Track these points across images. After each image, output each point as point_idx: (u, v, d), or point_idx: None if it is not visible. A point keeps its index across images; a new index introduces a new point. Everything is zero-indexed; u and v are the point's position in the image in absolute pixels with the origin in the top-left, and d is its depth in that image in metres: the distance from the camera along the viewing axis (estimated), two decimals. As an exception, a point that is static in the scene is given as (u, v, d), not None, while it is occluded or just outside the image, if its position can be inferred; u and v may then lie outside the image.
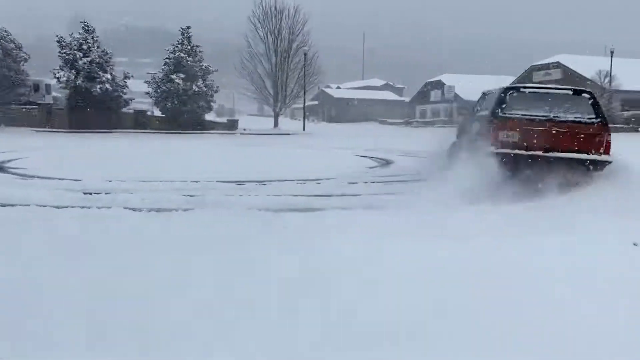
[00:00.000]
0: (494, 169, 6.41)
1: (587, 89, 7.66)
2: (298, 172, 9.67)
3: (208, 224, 4.95)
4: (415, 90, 67.59)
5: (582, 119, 6.84)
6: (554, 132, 6.69)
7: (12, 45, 31.56)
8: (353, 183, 8.14)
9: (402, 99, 73.19)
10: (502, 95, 7.07)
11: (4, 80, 30.87)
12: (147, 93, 33.56)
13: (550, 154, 6.63)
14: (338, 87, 76.90)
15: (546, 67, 46.92)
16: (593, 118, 6.83)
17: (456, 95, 57.64)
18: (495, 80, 53.78)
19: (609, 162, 6.66)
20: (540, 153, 6.63)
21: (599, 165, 6.67)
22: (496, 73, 61.73)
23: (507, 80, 51.99)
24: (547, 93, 7.31)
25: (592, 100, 6.98)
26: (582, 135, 6.73)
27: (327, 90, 70.34)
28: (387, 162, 12.90)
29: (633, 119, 36.82)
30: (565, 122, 6.78)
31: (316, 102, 70.52)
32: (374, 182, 8.34)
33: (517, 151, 6.66)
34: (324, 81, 50.03)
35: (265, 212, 5.58)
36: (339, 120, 63.80)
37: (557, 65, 45.72)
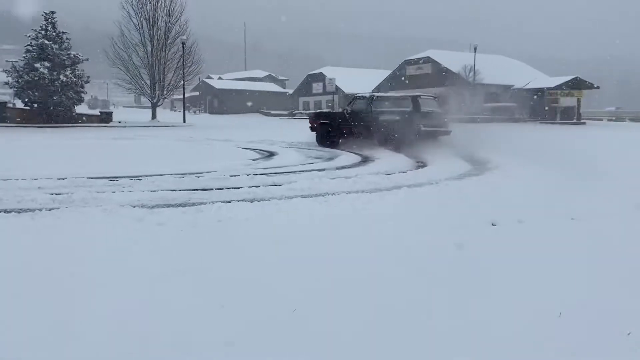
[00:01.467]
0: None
1: (413, 95, 14.86)
2: (177, 166, 9.35)
3: (73, 224, 4.65)
4: (297, 83, 68.39)
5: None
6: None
7: None
8: (235, 176, 8.07)
9: (285, 90, 73.68)
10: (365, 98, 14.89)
11: None
12: (7, 83, 30.39)
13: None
14: (220, 78, 75.49)
15: (418, 61, 49.80)
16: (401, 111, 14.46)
17: (338, 88, 59.26)
18: (377, 73, 56.06)
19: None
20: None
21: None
22: (373, 67, 64.49)
23: (383, 74, 54.53)
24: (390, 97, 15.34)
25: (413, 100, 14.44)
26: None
27: (209, 81, 68.75)
28: (270, 154, 12.94)
29: (493, 110, 40.36)
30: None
31: (197, 93, 68.66)
32: (256, 175, 8.31)
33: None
34: (205, 72, 48.82)
35: (139, 209, 5.36)
36: (222, 112, 62.73)
37: (428, 59, 48.71)
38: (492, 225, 4.82)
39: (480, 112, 38.06)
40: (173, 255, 3.82)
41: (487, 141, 13.40)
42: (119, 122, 31.77)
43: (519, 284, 3.30)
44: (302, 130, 17.97)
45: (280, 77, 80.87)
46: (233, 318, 2.72)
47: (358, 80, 57.77)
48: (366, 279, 3.35)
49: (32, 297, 2.95)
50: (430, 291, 3.15)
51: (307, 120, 17.57)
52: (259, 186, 7.11)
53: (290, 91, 70.97)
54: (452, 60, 45.70)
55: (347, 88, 58.14)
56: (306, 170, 9.30)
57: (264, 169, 9.68)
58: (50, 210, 5.22)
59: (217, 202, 5.84)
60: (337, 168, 9.85)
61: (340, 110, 18.16)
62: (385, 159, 11.36)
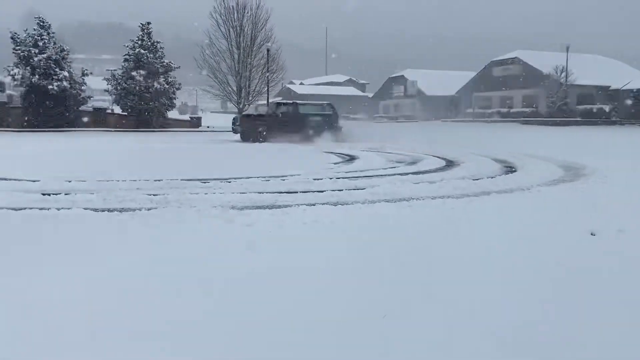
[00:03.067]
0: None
1: (328, 102, 23.81)
2: (263, 169, 9.66)
3: (171, 222, 4.92)
4: (378, 86, 68.14)
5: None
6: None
7: (-39, 42, 30.28)
8: (318, 179, 8.18)
9: (365, 94, 73.71)
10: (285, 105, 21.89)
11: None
12: (107, 90, 32.76)
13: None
14: (301, 83, 76.88)
15: (505, 62, 47.98)
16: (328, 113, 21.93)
17: (419, 91, 58.42)
18: (461, 75, 54.67)
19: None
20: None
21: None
22: (457, 68, 62.82)
23: (467, 76, 53.06)
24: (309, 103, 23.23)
25: (331, 106, 22.45)
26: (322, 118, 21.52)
27: (291, 87, 70.18)
28: (351, 158, 13.00)
29: (588, 112, 38.04)
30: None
31: (280, 99, 70.29)
32: (339, 178, 8.39)
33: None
34: (287, 77, 49.90)
35: (230, 210, 5.57)
36: (304, 116, 63.69)
37: (516, 60, 46.80)
38: (592, 234, 4.55)
39: (574, 115, 35.97)
40: (263, 256, 3.93)
41: (581, 145, 12.68)
42: (207, 127, 33.24)
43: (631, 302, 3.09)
44: (382, 134, 17.93)
45: (361, 81, 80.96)
46: (333, 312, 2.76)
47: (440, 82, 56.64)
48: (458, 283, 3.28)
49: (142, 290, 3.15)
50: (538, 309, 3.02)
51: (235, 120, 22.60)
52: (342, 190, 7.16)
53: (370, 95, 70.83)
54: (542, 60, 43.60)
55: (429, 90, 57.20)
56: (388, 174, 9.25)
57: (346, 172, 9.73)
58: (148, 210, 5.55)
59: (302, 204, 5.93)
60: (421, 172, 9.71)
61: (270, 112, 22.41)
62: (472, 163, 11.06)
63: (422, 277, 3.47)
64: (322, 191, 7.05)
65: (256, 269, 3.57)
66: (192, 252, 4.02)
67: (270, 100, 26.43)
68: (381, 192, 6.91)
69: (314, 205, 5.92)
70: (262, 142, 20.23)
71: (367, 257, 3.92)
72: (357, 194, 6.83)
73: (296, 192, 7.01)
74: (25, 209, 5.55)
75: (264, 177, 8.47)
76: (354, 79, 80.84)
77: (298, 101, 23.73)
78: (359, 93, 73.86)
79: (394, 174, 9.23)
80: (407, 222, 5.21)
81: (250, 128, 21.11)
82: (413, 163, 11.61)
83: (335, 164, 11.56)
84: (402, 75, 61.71)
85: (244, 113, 23.05)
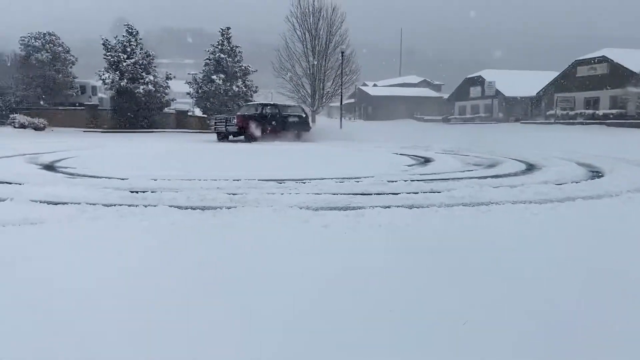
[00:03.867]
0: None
1: (299, 105, 27.88)
2: (336, 171, 9.73)
3: (248, 221, 5.07)
4: (453, 87, 66.56)
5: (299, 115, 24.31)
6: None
7: (60, 49, 32.76)
8: (392, 181, 8.13)
9: (440, 95, 72.27)
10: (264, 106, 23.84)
11: (52, 82, 32.08)
12: (188, 93, 34.25)
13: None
14: (375, 85, 76.56)
15: (591, 61, 45.37)
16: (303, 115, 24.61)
17: (498, 92, 56.53)
18: (541, 75, 52.35)
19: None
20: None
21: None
22: (538, 68, 60.14)
23: (549, 76, 50.64)
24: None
25: (302, 109, 25.85)
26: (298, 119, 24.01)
27: (364, 88, 70.09)
28: (426, 160, 12.80)
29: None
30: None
31: (353, 100, 70.40)
32: (413, 181, 8.29)
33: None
34: (360, 79, 49.88)
35: (305, 211, 5.66)
36: (376, 118, 63.52)
37: (603, 59, 44.12)
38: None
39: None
40: (339, 257, 3.96)
41: None
42: (282, 128, 33.91)
43: None
44: (458, 136, 17.51)
45: (436, 82, 79.48)
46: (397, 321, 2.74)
47: (519, 83, 54.47)
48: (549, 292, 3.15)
49: (219, 285, 3.28)
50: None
51: (230, 120, 22.35)
52: (417, 192, 7.07)
53: (446, 96, 69.32)
54: (633, 58, 40.82)
55: (508, 91, 55.20)
56: (465, 178, 9.03)
57: (421, 175, 9.60)
58: (229, 208, 5.75)
59: (376, 207, 5.92)
60: (500, 176, 9.40)
61: (257, 113, 23.09)
62: (555, 167, 10.56)
63: (500, 284, 3.36)
64: (396, 194, 7.00)
65: (332, 269, 3.60)
66: (270, 250, 4.12)
67: (249, 103, 27.02)
68: (458, 195, 6.76)
69: (388, 207, 5.88)
70: (254, 142, 21.44)
71: (443, 262, 3.85)
72: (433, 197, 6.72)
73: (370, 194, 7.00)
74: (115, 205, 5.91)
75: (338, 178, 8.52)
76: (429, 80, 79.47)
77: (278, 103, 25.40)
78: (434, 94, 72.51)
79: (472, 177, 9.00)
80: (487, 228, 5.06)
81: (250, 128, 21.75)
82: (491, 166, 11.25)
83: (409, 166, 11.44)
84: (480, 76, 59.90)
85: (239, 114, 22.90)
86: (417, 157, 13.83)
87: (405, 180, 8.24)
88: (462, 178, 9.01)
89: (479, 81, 59.91)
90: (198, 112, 35.29)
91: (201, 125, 32.80)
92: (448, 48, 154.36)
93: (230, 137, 22.51)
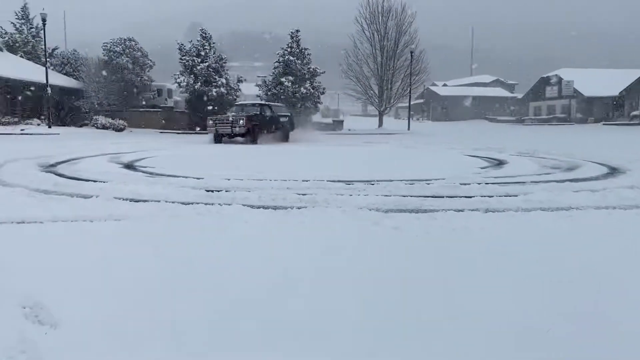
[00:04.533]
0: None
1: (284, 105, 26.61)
2: (406, 172, 9.61)
3: (319, 222, 5.10)
4: (528, 86, 64.01)
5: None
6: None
7: (139, 54, 34.45)
8: (465, 184, 7.92)
9: (513, 95, 69.75)
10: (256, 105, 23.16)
11: (131, 86, 33.80)
12: (258, 96, 35.01)
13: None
14: (444, 85, 75.02)
15: (682, 57, 42.20)
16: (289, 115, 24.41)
17: (576, 91, 53.83)
18: (623, 74, 49.42)
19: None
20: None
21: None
22: (621, 66, 56.71)
23: (633, 74, 47.57)
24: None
25: (287, 108, 25.99)
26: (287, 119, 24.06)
27: (433, 88, 68.85)
28: (500, 162, 12.38)
29: None
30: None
31: (421, 101, 69.35)
32: (487, 184, 8.04)
33: None
34: (430, 79, 49.05)
35: (375, 212, 5.62)
36: (446, 119, 62.24)
37: (696, 54, 40.92)
38: None
39: None
40: (412, 260, 3.90)
41: None
42: (349, 129, 33.93)
43: None
44: (533, 137, 16.81)
45: (509, 81, 76.76)
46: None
47: (600, 82, 51.59)
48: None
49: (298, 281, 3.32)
50: None
51: (237, 120, 21.04)
52: (492, 196, 6.84)
53: (520, 96, 66.81)
54: None
55: (587, 91, 52.46)
56: (543, 181, 8.65)
57: (495, 178, 9.29)
58: (299, 208, 5.81)
59: (449, 210, 5.78)
60: (580, 179, 8.92)
61: (259, 114, 22.27)
62: (640, 172, 9.91)
63: (587, 295, 3.18)
64: (470, 197, 6.81)
65: (407, 272, 3.56)
66: (341, 250, 4.13)
67: (241, 103, 25.52)
68: (536, 199, 6.48)
69: (462, 211, 5.74)
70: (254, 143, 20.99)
71: (521, 269, 3.70)
72: (508, 201, 6.48)
73: (442, 197, 6.86)
74: (192, 203, 6.13)
75: (407, 180, 8.40)
76: (502, 80, 76.86)
77: (271, 103, 24.80)
78: (507, 94, 70.06)
79: (550, 181, 8.61)
80: (568, 234, 4.82)
81: (255, 129, 21.24)
82: (570, 169, 10.72)
83: (482, 168, 11.10)
84: (556, 75, 57.27)
85: (243, 114, 21.61)
86: (490, 159, 13.40)
87: (479, 183, 8.01)
88: (539, 181, 8.64)
89: (555, 80, 57.30)
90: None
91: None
92: (523, 46, 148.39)
93: (225, 138, 21.59)
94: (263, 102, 25.79)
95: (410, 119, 37.80)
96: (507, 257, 4.05)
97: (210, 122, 21.59)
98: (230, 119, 21.07)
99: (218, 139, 21.53)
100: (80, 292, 3.17)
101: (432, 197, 6.89)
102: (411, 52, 34.08)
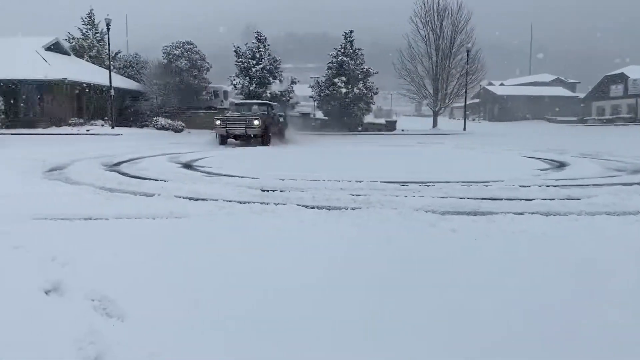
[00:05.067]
0: None
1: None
2: (462, 174, 9.42)
3: (374, 223, 5.08)
4: (591, 86, 61.31)
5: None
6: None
7: (197, 57, 35.39)
8: (524, 186, 7.68)
9: (575, 95, 67.00)
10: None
11: (189, 88, 34.79)
12: (311, 97, 35.23)
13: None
14: (502, 84, 72.99)
15: None
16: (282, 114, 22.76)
17: (643, 89, 51.11)
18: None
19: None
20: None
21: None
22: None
23: None
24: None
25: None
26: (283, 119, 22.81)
27: (490, 88, 67.14)
28: (561, 164, 11.93)
29: None
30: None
31: (477, 101, 67.77)
32: (548, 186, 7.76)
33: None
34: (486, 78, 47.85)
35: (431, 214, 5.54)
36: (502, 119, 60.57)
37: None
38: None
39: None
40: (473, 265, 3.82)
41: None
42: (402, 130, 33.61)
43: None
44: (596, 138, 16.08)
45: (570, 80, 73.77)
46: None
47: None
48: None
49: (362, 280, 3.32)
50: None
51: (251, 120, 19.14)
52: (553, 199, 6.61)
53: (582, 95, 64.13)
54: None
55: (657, 89, 49.71)
56: (607, 184, 8.27)
57: (556, 180, 8.96)
58: (353, 209, 5.81)
59: (508, 212, 5.62)
60: (649, 183, 8.47)
61: (267, 113, 20.54)
62: None
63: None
64: (530, 199, 6.60)
65: (472, 277, 3.49)
66: (398, 251, 4.09)
67: (245, 102, 23.36)
68: (600, 203, 6.21)
69: (521, 214, 5.57)
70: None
71: (584, 276, 3.55)
72: (571, 204, 6.23)
73: (501, 200, 6.68)
74: (248, 202, 6.25)
75: (465, 182, 8.24)
76: (562, 78, 73.97)
77: (271, 102, 23.26)
78: (568, 93, 67.36)
79: (615, 184, 8.22)
80: (636, 239, 4.58)
81: (269, 130, 19.67)
82: (637, 172, 10.19)
83: (542, 170, 10.73)
84: (622, 73, 54.57)
85: (257, 114, 19.72)
86: (550, 160, 12.93)
87: (539, 186, 7.75)
88: (603, 184, 8.27)
89: (621, 79, 54.62)
90: (320, 114, 36.13)
91: (323, 127, 33.62)
92: (585, 44, 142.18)
93: (230, 139, 19.90)
94: (265, 100, 24.22)
95: (466, 119, 37.01)
96: (575, 263, 3.90)
97: (219, 122, 19.58)
98: (245, 118, 19.15)
99: (224, 140, 19.79)
100: (144, 286, 3.29)
101: (490, 199, 6.73)
102: (467, 51, 33.38)
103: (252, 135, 19.11)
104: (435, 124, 36.18)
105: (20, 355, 2.43)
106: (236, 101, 22.92)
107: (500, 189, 7.48)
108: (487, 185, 7.84)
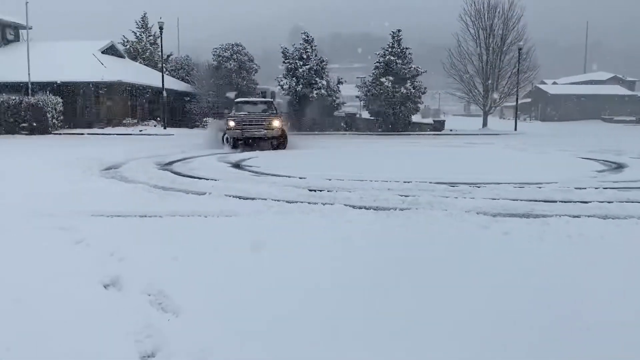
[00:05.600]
0: None
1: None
2: (514, 175, 9.16)
3: (423, 224, 5.02)
4: (652, 83, 58.41)
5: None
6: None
7: (245, 58, 35.95)
8: (580, 188, 7.41)
9: (634, 93, 64.02)
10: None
11: (238, 89, 35.38)
12: (357, 96, 35.11)
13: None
14: (554, 83, 70.60)
15: None
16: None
17: None
18: None
19: None
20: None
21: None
22: None
23: None
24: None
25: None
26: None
27: (542, 87, 65.03)
28: (618, 166, 11.44)
29: None
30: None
31: (529, 100, 65.79)
32: (605, 188, 7.46)
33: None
34: (538, 77, 46.39)
35: (482, 216, 5.42)
36: (555, 119, 58.65)
37: None
38: None
39: None
40: (528, 268, 3.72)
41: None
42: (450, 130, 33.01)
43: None
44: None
45: (628, 79, 70.53)
46: None
47: None
48: None
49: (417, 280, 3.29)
50: None
51: (270, 121, 16.73)
52: (611, 202, 6.34)
53: (641, 94, 61.18)
54: None
55: None
56: (671, 187, 7.88)
57: (614, 182, 8.60)
58: (402, 210, 5.76)
59: (563, 215, 5.44)
60: None
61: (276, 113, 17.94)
62: None
63: None
64: (586, 202, 6.37)
65: (529, 281, 3.40)
66: (449, 254, 4.03)
67: (250, 99, 20.27)
68: (664, 207, 5.91)
69: (578, 217, 5.37)
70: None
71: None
72: (631, 207, 5.97)
73: (555, 202, 6.48)
74: (296, 202, 6.29)
75: (516, 183, 8.02)
76: (620, 77, 70.81)
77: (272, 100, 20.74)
78: (626, 92, 64.42)
79: (679, 187, 7.81)
80: None
81: (285, 131, 17.33)
82: None
83: (598, 172, 10.32)
84: (686, 70, 51.72)
85: (275, 113, 17.56)
86: (607, 162, 12.41)
87: (596, 188, 7.47)
88: (667, 187, 7.87)
89: (685, 76, 51.82)
90: (366, 114, 35.97)
91: (369, 128, 33.47)
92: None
93: (240, 142, 16.77)
94: (267, 98, 21.25)
95: (517, 118, 36.01)
96: (627, 262, 3.74)
97: (232, 122, 16.36)
98: (264, 119, 16.74)
99: (236, 144, 16.62)
100: (196, 282, 3.37)
101: (543, 201, 6.54)
102: (519, 49, 32.47)
103: (271, 138, 16.78)
104: (485, 123, 35.37)
105: (80, 346, 2.54)
106: (237, 99, 19.40)
107: (554, 191, 7.25)
108: (540, 187, 7.61)
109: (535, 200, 6.55)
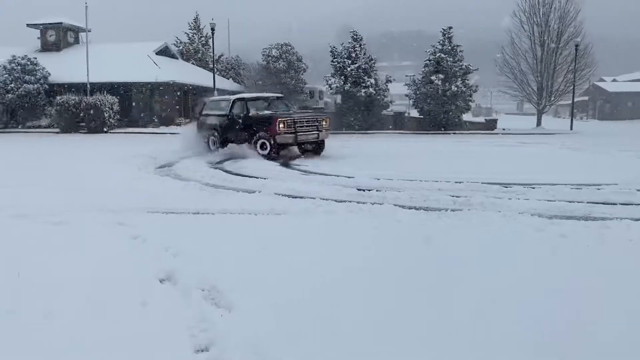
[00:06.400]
0: None
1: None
2: (570, 176, 8.82)
3: (476, 225, 4.91)
4: None
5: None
6: None
7: (294, 58, 36.27)
8: (643, 190, 7.07)
9: (703, 90, 60.42)
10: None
11: (286, 88, 35.72)
12: (406, 95, 34.72)
13: None
14: (614, 80, 67.57)
15: None
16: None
17: None
18: None
19: None
20: None
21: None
22: None
23: None
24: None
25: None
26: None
27: (600, 84, 62.36)
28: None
29: None
30: None
31: (586, 98, 63.23)
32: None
33: None
34: (596, 74, 44.52)
35: (537, 218, 5.26)
36: (614, 118, 56.17)
37: None
38: None
39: None
40: (588, 271, 3.59)
41: None
42: (503, 129, 32.12)
43: None
44: None
45: (698, 74, 66.60)
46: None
47: None
48: None
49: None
50: None
51: (321, 121, 13.83)
52: (676, 205, 6.02)
53: None
54: None
55: None
56: None
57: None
58: (453, 211, 5.66)
59: (624, 219, 5.21)
60: None
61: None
62: None
63: None
64: (648, 205, 6.07)
65: (585, 284, 3.28)
66: (501, 256, 3.94)
67: (257, 96, 15.63)
68: None
69: (639, 220, 5.13)
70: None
71: None
72: (699, 211, 5.64)
73: (614, 204, 6.20)
74: (345, 201, 6.29)
75: (573, 184, 7.72)
76: (687, 73, 67.01)
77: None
78: (695, 89, 60.86)
79: None
80: None
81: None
82: None
83: (663, 174, 9.80)
84: None
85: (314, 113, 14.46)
86: (671, 163, 11.78)
87: (661, 191, 7.09)
88: None
89: None
90: (415, 113, 35.51)
91: (418, 127, 33.04)
92: None
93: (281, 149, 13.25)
94: (272, 95, 16.47)
95: (573, 117, 34.68)
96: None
97: (282, 125, 12.70)
98: (315, 119, 13.94)
99: (276, 150, 12.88)
100: (248, 278, 3.43)
101: (602, 203, 6.28)
102: (576, 46, 31.23)
103: (320, 140, 14.11)
104: (539, 122, 34.23)
105: (139, 339, 2.63)
106: (247, 96, 15.19)
107: (614, 193, 6.94)
108: (598, 189, 7.30)
109: (594, 203, 6.30)
